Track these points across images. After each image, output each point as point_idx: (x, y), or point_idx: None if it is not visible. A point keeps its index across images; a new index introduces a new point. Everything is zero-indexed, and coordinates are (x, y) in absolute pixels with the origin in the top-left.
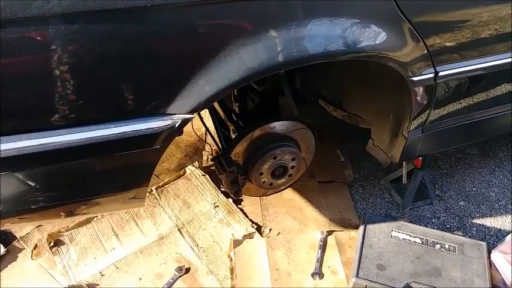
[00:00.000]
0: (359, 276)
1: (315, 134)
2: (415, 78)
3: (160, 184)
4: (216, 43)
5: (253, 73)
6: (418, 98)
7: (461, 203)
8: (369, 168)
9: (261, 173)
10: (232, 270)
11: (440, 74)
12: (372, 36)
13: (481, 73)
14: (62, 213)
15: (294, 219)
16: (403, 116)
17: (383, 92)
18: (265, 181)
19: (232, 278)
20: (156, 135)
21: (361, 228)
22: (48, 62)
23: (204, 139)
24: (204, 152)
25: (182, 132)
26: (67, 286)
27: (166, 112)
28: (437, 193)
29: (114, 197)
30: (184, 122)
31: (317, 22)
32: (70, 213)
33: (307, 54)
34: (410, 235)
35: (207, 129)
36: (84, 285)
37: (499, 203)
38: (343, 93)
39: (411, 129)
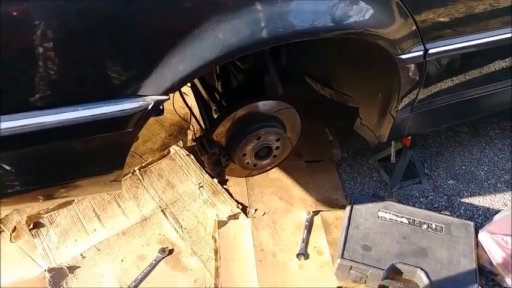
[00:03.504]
0: (344, 257)
1: (301, 113)
2: (403, 56)
3: (143, 164)
4: (190, 19)
5: (232, 50)
6: (407, 77)
7: (450, 181)
8: (357, 147)
9: (245, 154)
10: (216, 251)
11: (430, 51)
12: (359, 12)
13: (473, 50)
14: (40, 197)
15: (280, 200)
16: (392, 94)
17: (371, 70)
18: (248, 162)
19: (216, 259)
20: (127, 117)
21: (348, 208)
22: (10, 41)
23: (188, 118)
24: (188, 131)
25: (162, 111)
26: (47, 268)
27: (138, 94)
28: (426, 172)
29: (88, 180)
30: (158, 103)
31: None
32: (48, 197)
33: (292, 30)
34: (397, 215)
35: (189, 108)
36: (65, 267)
37: (488, 182)
38: (331, 71)
39: (400, 108)
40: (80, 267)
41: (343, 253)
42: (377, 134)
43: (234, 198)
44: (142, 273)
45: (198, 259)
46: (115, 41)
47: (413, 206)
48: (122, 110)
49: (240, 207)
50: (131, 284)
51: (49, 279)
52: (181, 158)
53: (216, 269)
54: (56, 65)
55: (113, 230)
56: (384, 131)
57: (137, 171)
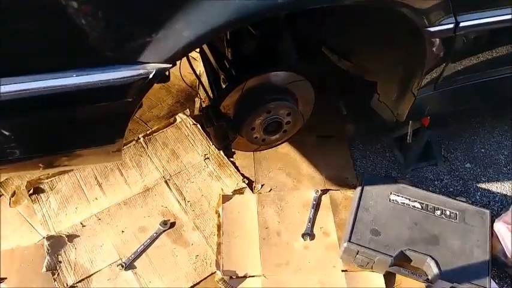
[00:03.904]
0: (351, 240)
1: (315, 86)
2: (432, 29)
3: (148, 132)
4: None
5: (242, 16)
6: (433, 52)
7: (468, 165)
8: (371, 124)
9: (253, 128)
10: (219, 227)
11: (462, 24)
12: None
13: (505, 26)
14: (40, 165)
15: (288, 176)
16: (414, 70)
17: (393, 42)
18: (257, 137)
19: (218, 235)
20: (126, 86)
21: (358, 189)
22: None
23: (196, 85)
24: (196, 99)
25: (168, 78)
26: (46, 236)
27: (138, 60)
28: (442, 153)
29: (88, 150)
30: (160, 72)
31: None
32: (48, 165)
33: None
34: (409, 199)
35: (197, 76)
36: (64, 235)
37: (508, 167)
38: (350, 42)
39: (422, 85)
40: (79, 236)
41: (350, 236)
42: (395, 113)
43: (240, 172)
44: (142, 246)
45: (200, 234)
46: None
47: (427, 189)
48: (120, 78)
49: (246, 181)
50: (130, 256)
51: (47, 248)
52: (187, 127)
53: (218, 245)
54: (48, 26)
55: (115, 199)
56: (403, 110)
57: (141, 138)
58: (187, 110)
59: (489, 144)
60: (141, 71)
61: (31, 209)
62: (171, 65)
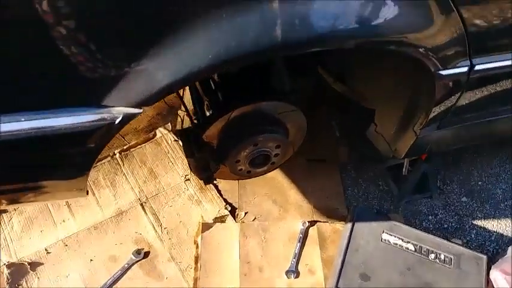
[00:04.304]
0: (339, 286)
1: (307, 112)
2: (444, 72)
3: (125, 147)
4: (175, 10)
5: (230, 57)
6: (442, 94)
7: (464, 199)
8: (366, 150)
9: (238, 161)
10: (197, 259)
11: (477, 68)
12: (392, 13)
13: None
14: (3, 201)
15: (274, 203)
16: (418, 108)
17: (397, 76)
18: (242, 169)
19: (196, 269)
20: (86, 133)
21: (349, 225)
22: None
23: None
24: (179, 111)
25: None
26: (6, 263)
27: (103, 104)
28: (438, 184)
29: (49, 188)
30: (128, 117)
31: None
32: (12, 201)
33: (311, 36)
34: (403, 239)
35: (178, 94)
36: (26, 263)
37: (505, 203)
38: (348, 66)
39: (425, 125)
40: (43, 264)
41: (338, 281)
42: (393, 148)
43: (222, 197)
44: (112, 278)
45: (176, 266)
46: (70, 32)
47: (421, 224)
48: (78, 124)
49: (229, 208)
50: None
51: (7, 276)
52: (168, 143)
53: (195, 280)
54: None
55: (84, 223)
56: (402, 147)
57: (117, 154)
58: (169, 124)
59: (486, 177)
60: (106, 116)
61: None
62: (141, 111)
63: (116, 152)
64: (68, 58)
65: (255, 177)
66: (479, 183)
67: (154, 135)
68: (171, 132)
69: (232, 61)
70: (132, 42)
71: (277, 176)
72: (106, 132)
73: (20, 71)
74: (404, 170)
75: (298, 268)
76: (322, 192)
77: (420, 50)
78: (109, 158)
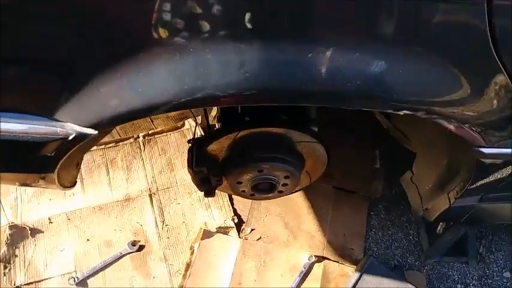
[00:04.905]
0: None
1: (329, 152)
2: (486, 150)
3: (150, 132)
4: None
5: (192, 99)
6: (483, 171)
7: (507, 274)
8: (403, 190)
9: (240, 182)
10: (188, 266)
11: None
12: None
13: None
14: None
15: (285, 227)
16: (456, 176)
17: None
18: (244, 191)
19: (184, 277)
20: (39, 143)
21: (355, 276)
22: None
23: None
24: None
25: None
26: (9, 223)
27: (55, 117)
28: (480, 251)
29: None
30: (82, 136)
31: None
32: None
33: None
34: None
35: None
36: (28, 228)
37: None
38: None
39: (462, 196)
40: (43, 232)
41: None
42: (424, 205)
43: (233, 206)
44: (102, 264)
45: (166, 268)
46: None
47: None
48: (29, 132)
49: (236, 220)
50: (87, 271)
51: (7, 236)
52: (196, 135)
53: None
54: None
55: (91, 201)
56: (434, 210)
57: (141, 137)
58: (201, 117)
59: None
60: (58, 130)
61: (6, 189)
62: (95, 132)
63: (140, 135)
64: (18, 62)
65: (262, 200)
66: None
67: (183, 125)
68: (199, 126)
69: (200, 102)
70: (83, 58)
71: (296, 197)
72: (61, 146)
73: None
74: (439, 228)
75: None
76: (341, 227)
77: (452, 120)
78: (132, 140)
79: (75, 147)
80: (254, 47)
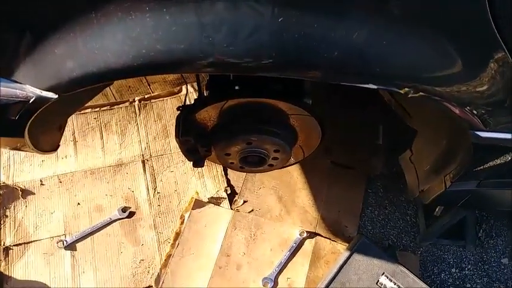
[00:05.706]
0: None
1: (324, 125)
2: (482, 134)
3: (146, 96)
4: None
5: (154, 64)
6: (482, 155)
7: (504, 260)
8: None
9: (228, 154)
10: (177, 235)
11: None
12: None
13: None
14: None
15: (278, 201)
16: (453, 159)
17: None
18: (233, 163)
19: (173, 245)
20: (2, 106)
21: (345, 254)
22: None
23: None
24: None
25: None
26: (1, 183)
27: (14, 79)
28: (479, 235)
29: None
30: (42, 100)
31: None
32: None
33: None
34: None
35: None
36: (19, 189)
37: None
38: None
39: (458, 180)
40: (34, 194)
41: None
42: (421, 187)
43: (227, 177)
44: (91, 228)
45: (155, 236)
46: None
47: (438, 275)
48: None
49: (229, 191)
50: (75, 235)
51: None
52: (190, 102)
53: (168, 257)
54: None
55: (83, 165)
56: (429, 192)
57: (137, 101)
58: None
59: None
60: (18, 92)
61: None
62: (56, 96)
63: (135, 99)
64: None
65: (252, 173)
66: None
67: (180, 90)
68: (197, 92)
69: (159, 67)
70: (34, 16)
71: (293, 171)
72: (24, 109)
73: None
74: (437, 210)
75: (278, 279)
76: (337, 204)
77: (446, 100)
78: (127, 104)
79: (38, 111)
80: (217, 7)
